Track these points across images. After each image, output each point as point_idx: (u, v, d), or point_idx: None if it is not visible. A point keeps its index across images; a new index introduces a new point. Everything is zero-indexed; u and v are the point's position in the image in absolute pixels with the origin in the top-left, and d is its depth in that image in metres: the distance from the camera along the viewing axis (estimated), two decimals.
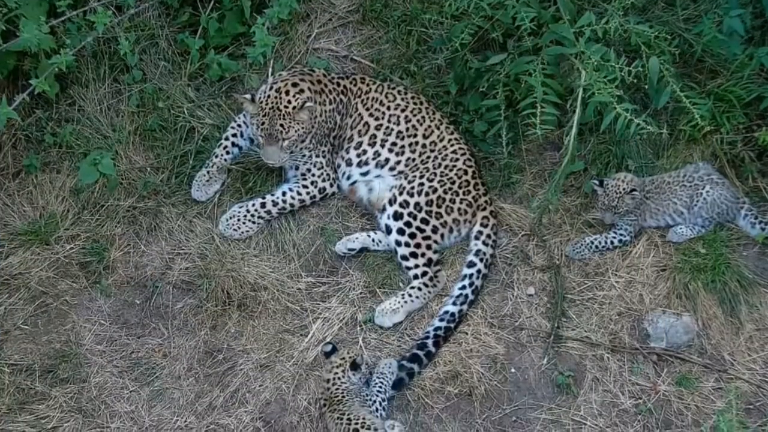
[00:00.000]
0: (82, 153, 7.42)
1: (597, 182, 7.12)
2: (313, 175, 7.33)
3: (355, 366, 6.55)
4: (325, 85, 7.33)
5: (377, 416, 6.45)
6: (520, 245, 7.25)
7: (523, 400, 6.72)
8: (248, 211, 7.27)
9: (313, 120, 7.19)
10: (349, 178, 7.42)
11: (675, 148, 7.43)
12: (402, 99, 7.43)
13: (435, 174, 7.24)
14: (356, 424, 6.30)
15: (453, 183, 7.22)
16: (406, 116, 7.39)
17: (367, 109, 7.42)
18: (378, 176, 7.37)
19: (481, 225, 7.22)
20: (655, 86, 7.03)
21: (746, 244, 7.18)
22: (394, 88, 7.48)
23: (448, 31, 7.54)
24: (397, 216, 7.15)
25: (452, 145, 7.35)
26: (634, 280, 7.05)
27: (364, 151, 7.39)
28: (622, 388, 6.74)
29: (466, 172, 7.26)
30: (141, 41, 7.72)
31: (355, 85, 7.46)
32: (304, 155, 7.27)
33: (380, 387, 6.57)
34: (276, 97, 7.10)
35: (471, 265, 7.09)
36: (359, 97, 7.44)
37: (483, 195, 7.29)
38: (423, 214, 7.14)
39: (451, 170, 7.26)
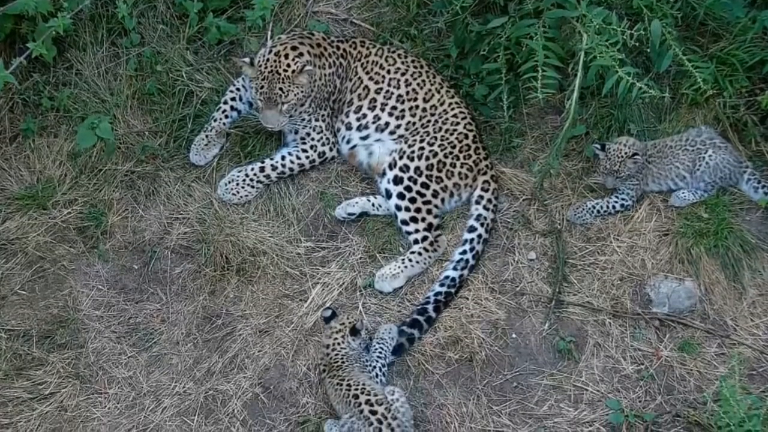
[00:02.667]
0: (80, 117, 7.39)
1: (599, 146, 7.09)
2: (313, 139, 7.29)
3: (354, 331, 6.53)
4: (325, 49, 7.28)
5: (377, 382, 6.43)
6: (521, 210, 7.23)
7: (524, 366, 6.71)
8: (247, 175, 7.23)
9: (312, 84, 7.14)
10: (348, 142, 7.38)
11: (677, 112, 7.42)
12: (402, 62, 7.39)
13: (435, 138, 7.19)
14: (356, 389, 6.28)
15: (454, 147, 7.18)
16: (407, 80, 7.34)
17: (367, 73, 7.37)
18: (378, 140, 7.33)
19: (482, 189, 7.18)
20: (657, 50, 7.01)
21: (749, 208, 7.15)
22: (394, 52, 7.43)
23: None
24: (397, 180, 7.11)
25: (453, 109, 7.30)
26: (636, 244, 7.02)
27: (364, 115, 7.34)
28: (624, 353, 6.72)
29: (466, 136, 7.22)
30: (139, 4, 7.68)
31: (354, 48, 7.42)
32: (303, 119, 7.23)
33: (380, 352, 6.55)
34: (275, 61, 7.05)
35: (472, 229, 7.06)
36: (359, 60, 7.39)
37: (484, 159, 7.25)
38: (423, 179, 7.09)
39: (451, 134, 7.21)
